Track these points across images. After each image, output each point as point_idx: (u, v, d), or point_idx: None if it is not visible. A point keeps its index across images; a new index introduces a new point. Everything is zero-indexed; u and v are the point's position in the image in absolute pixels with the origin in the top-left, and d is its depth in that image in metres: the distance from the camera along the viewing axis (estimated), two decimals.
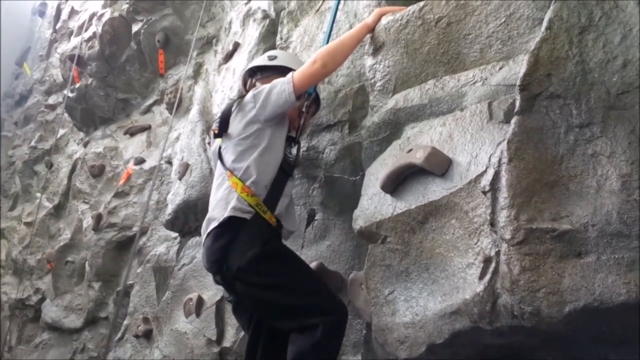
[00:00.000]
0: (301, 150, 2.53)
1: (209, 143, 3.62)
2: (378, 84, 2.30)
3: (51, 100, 7.43)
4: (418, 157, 1.88)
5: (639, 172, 1.43)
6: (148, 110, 5.27)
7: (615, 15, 1.54)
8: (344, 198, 2.57)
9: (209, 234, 2.15)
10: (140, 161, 4.77)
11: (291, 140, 2.37)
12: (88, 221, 5.00)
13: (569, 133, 1.57)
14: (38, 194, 6.58)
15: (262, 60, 2.53)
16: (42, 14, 8.83)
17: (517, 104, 1.63)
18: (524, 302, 1.52)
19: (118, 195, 4.79)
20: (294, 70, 2.25)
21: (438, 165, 1.85)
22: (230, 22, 4.06)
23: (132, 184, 4.72)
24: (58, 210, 5.90)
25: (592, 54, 1.55)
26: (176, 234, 3.79)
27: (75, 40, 6.05)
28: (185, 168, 3.60)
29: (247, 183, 2.12)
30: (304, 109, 2.37)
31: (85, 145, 5.84)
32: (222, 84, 3.76)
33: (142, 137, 5.10)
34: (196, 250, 3.44)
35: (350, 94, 2.58)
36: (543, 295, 1.50)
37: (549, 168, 1.57)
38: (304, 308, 2.03)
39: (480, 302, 1.65)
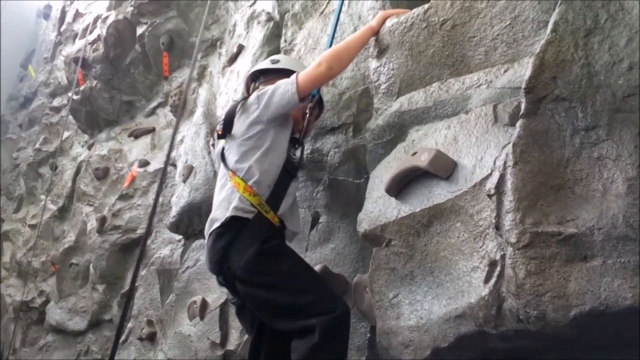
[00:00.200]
0: (305, 152, 2.53)
1: (213, 145, 3.62)
2: (382, 86, 2.30)
3: (56, 102, 7.45)
4: (423, 160, 1.87)
5: None
6: (152, 112, 5.28)
7: (621, 17, 1.54)
8: (348, 201, 2.57)
9: (211, 234, 2.16)
10: (144, 163, 4.78)
11: (295, 142, 2.37)
12: (92, 224, 5.01)
13: (575, 136, 1.56)
14: (42, 197, 6.60)
15: (265, 64, 2.54)
16: (46, 16, 8.88)
17: (523, 106, 1.63)
18: (529, 306, 1.51)
19: (122, 197, 4.79)
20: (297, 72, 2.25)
21: (443, 168, 1.84)
22: (234, 25, 4.07)
23: (136, 186, 4.72)
24: (62, 213, 5.91)
25: (597, 57, 1.55)
26: (180, 237, 3.79)
27: (79, 43, 6.07)
28: (189, 170, 3.61)
29: (250, 183, 2.12)
30: (307, 111, 2.37)
31: (90, 147, 5.85)
32: (226, 87, 3.77)
33: (146, 140, 5.10)
34: (200, 253, 3.44)
35: (355, 96, 2.58)
36: (549, 299, 1.49)
37: (554, 171, 1.56)
38: (301, 307, 2.00)
39: (485, 306, 1.64)
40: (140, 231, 4.30)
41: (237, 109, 2.27)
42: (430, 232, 1.88)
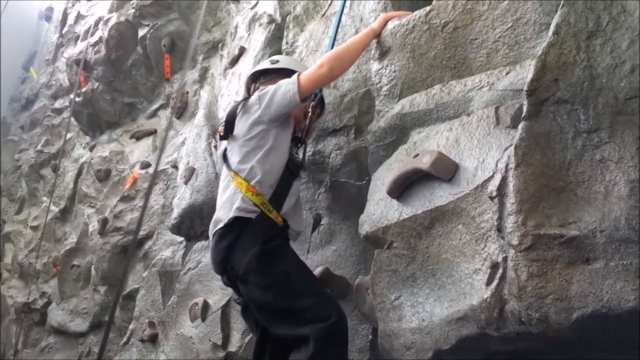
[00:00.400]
0: (307, 151, 2.53)
1: (214, 147, 3.62)
2: (384, 88, 2.30)
3: (57, 104, 7.45)
4: (424, 162, 1.87)
5: None
6: (154, 114, 5.29)
7: (623, 20, 1.54)
8: (349, 203, 2.57)
9: (214, 234, 2.16)
10: (146, 165, 4.78)
11: (297, 141, 2.38)
12: (94, 225, 5.01)
13: (577, 138, 1.56)
14: (44, 198, 6.60)
15: (264, 64, 2.54)
16: (48, 18, 8.88)
17: (525, 109, 1.63)
18: (531, 309, 1.51)
19: (124, 199, 4.80)
20: (298, 72, 2.25)
21: (445, 170, 1.84)
22: (236, 27, 4.08)
23: (138, 188, 4.73)
24: (64, 214, 5.91)
25: (599, 59, 1.55)
26: (182, 239, 3.79)
27: (81, 45, 6.08)
28: (191, 172, 3.61)
29: (252, 182, 2.13)
30: (309, 110, 2.37)
31: (92, 149, 5.86)
32: (227, 88, 3.77)
33: (148, 141, 5.11)
34: (202, 255, 3.45)
35: (356, 98, 2.58)
36: (551, 301, 1.49)
37: (556, 174, 1.56)
38: (297, 311, 1.98)
39: (487, 308, 1.64)
40: (142, 233, 4.30)
41: (239, 110, 2.28)
42: (432, 234, 1.88)
